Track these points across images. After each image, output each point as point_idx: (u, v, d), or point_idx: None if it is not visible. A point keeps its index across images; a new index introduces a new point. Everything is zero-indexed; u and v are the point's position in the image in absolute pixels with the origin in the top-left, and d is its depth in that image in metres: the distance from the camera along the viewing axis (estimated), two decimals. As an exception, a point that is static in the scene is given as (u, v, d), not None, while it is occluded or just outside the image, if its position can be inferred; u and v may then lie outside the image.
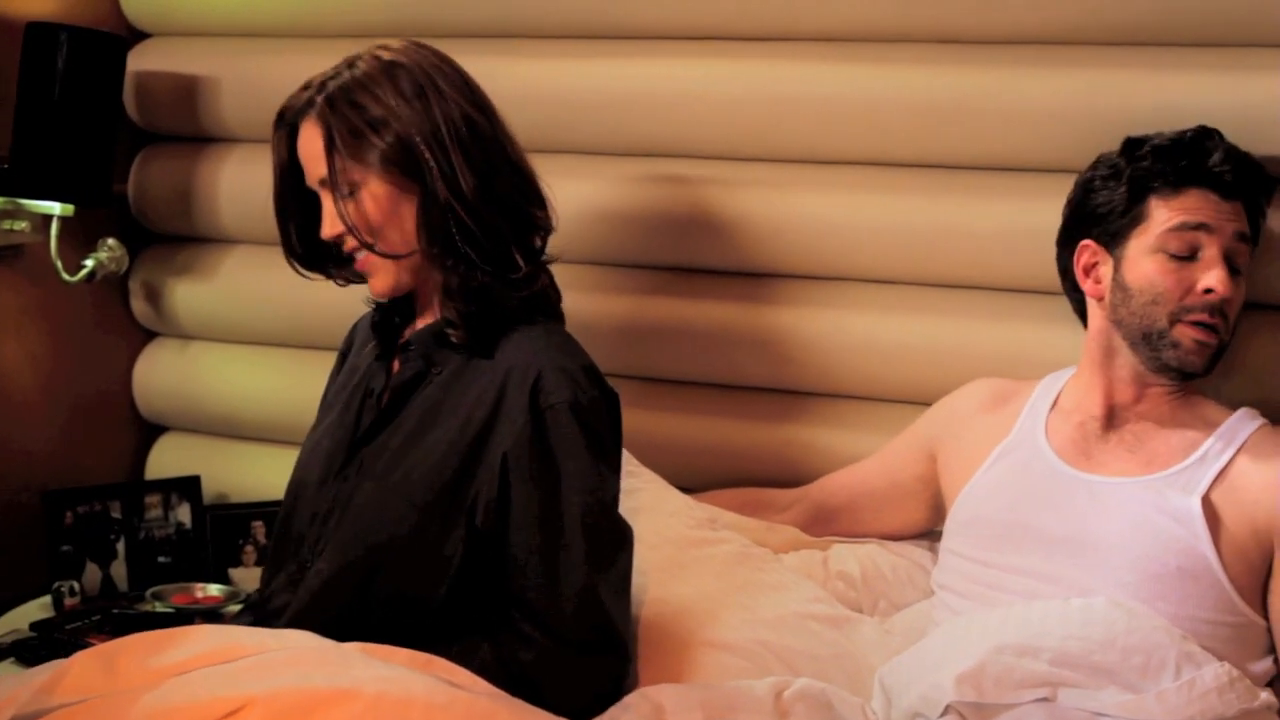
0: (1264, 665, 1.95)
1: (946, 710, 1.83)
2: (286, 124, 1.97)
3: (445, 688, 1.68)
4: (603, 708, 1.88)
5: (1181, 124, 2.11)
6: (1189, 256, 1.99)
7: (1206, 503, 1.94)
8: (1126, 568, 1.93)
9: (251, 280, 2.77)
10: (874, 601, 2.23)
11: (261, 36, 2.73)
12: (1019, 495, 2.06)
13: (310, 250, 2.04)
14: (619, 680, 1.93)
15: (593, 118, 2.47)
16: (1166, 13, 2.18)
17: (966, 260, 2.31)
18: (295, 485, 2.06)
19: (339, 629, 1.84)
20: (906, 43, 2.33)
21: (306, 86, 1.95)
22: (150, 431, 2.92)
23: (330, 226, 1.94)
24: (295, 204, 2.01)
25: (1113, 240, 2.05)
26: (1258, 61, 2.16)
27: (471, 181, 1.90)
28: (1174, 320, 1.99)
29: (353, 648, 1.79)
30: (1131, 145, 2.07)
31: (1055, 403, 2.12)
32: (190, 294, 2.80)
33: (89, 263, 2.64)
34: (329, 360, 2.71)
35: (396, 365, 2.03)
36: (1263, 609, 1.95)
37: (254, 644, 1.69)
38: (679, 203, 2.43)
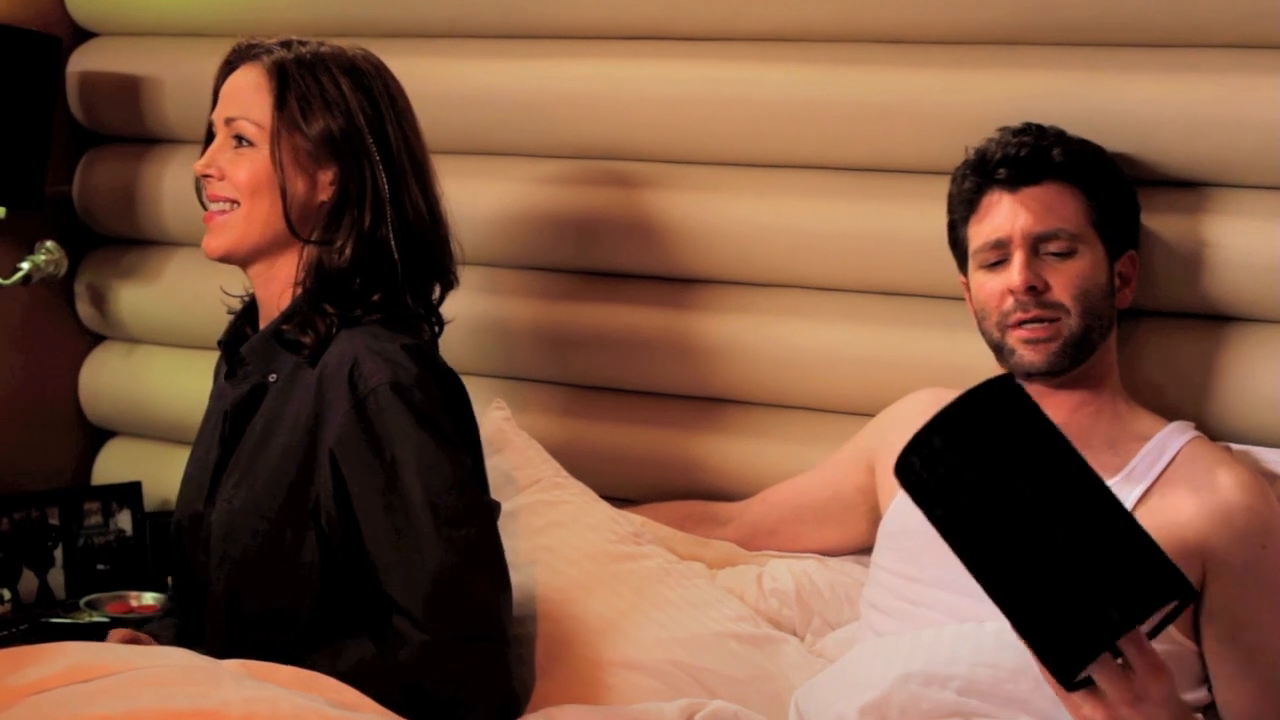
0: (1198, 694, 1.86)
1: (852, 741, 1.77)
2: (234, 64, 1.97)
3: (319, 709, 1.63)
4: (493, 700, 1.82)
5: (1127, 126, 2.04)
6: (1001, 263, 1.95)
7: None
8: None
9: (196, 284, 2.71)
10: (808, 620, 2.16)
11: (206, 36, 2.69)
12: None
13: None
14: (502, 668, 1.86)
15: (520, 119, 2.41)
16: (1113, 13, 2.10)
17: (907, 267, 2.24)
18: (177, 513, 2.06)
19: (237, 652, 1.81)
20: (845, 43, 2.26)
21: (280, 42, 1.96)
22: (98, 436, 2.89)
23: (203, 163, 1.94)
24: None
25: (963, 270, 2.05)
26: (1203, 62, 2.07)
27: (383, 185, 1.91)
28: (1002, 329, 1.95)
29: (232, 665, 1.75)
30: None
31: None
32: (135, 297, 2.77)
33: (25, 266, 2.61)
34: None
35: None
36: (1194, 634, 1.86)
37: (119, 662, 1.64)
38: (609, 206, 2.37)
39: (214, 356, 2.71)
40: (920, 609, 1.93)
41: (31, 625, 2.43)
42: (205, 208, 1.99)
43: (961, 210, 2.02)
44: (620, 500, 2.33)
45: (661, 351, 2.37)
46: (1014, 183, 1.95)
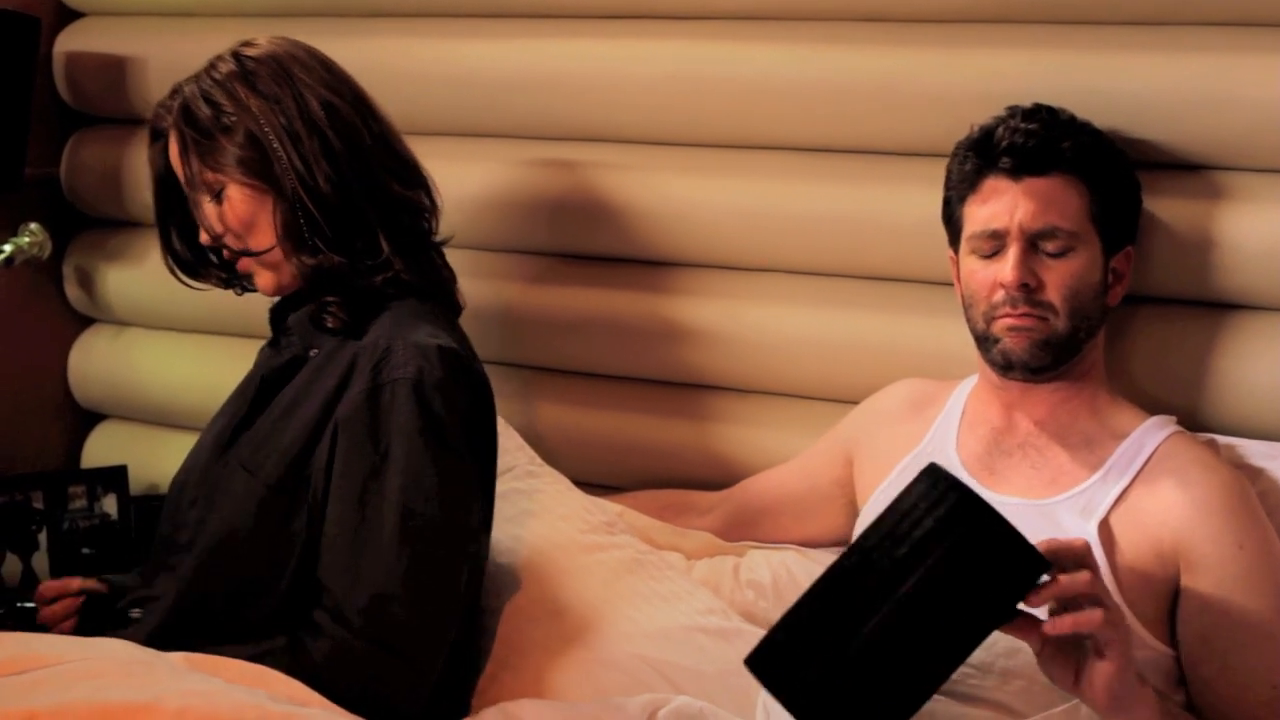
0: (1179, 696, 1.81)
1: (813, 738, 1.71)
2: (159, 135, 1.99)
3: (259, 704, 1.60)
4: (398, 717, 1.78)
5: (1116, 106, 1.97)
6: (997, 253, 1.88)
7: (1105, 528, 1.79)
8: None
9: None
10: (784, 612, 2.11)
11: (193, 16, 2.67)
12: None
13: (198, 256, 2.05)
14: (411, 691, 1.81)
15: (493, 99, 2.37)
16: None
17: (890, 251, 2.18)
18: (185, 468, 2.04)
19: (207, 619, 1.84)
20: (828, 21, 2.20)
21: (172, 93, 1.96)
22: (88, 420, 2.87)
23: (204, 233, 1.97)
24: (177, 213, 2.03)
25: (956, 250, 1.97)
26: (1200, 41, 2.00)
27: (326, 170, 1.89)
28: (989, 320, 1.89)
29: (176, 658, 1.73)
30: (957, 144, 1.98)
31: (965, 411, 1.99)
32: (123, 280, 2.75)
33: (7, 248, 2.59)
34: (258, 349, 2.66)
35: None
36: (1170, 638, 1.80)
37: (53, 654, 1.62)
38: (588, 189, 2.32)
39: (202, 338, 2.73)
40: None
41: (7, 611, 2.41)
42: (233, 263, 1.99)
43: (960, 189, 1.94)
44: (599, 487, 2.30)
45: (641, 336, 2.33)
46: (1018, 172, 1.88)
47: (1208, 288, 2.01)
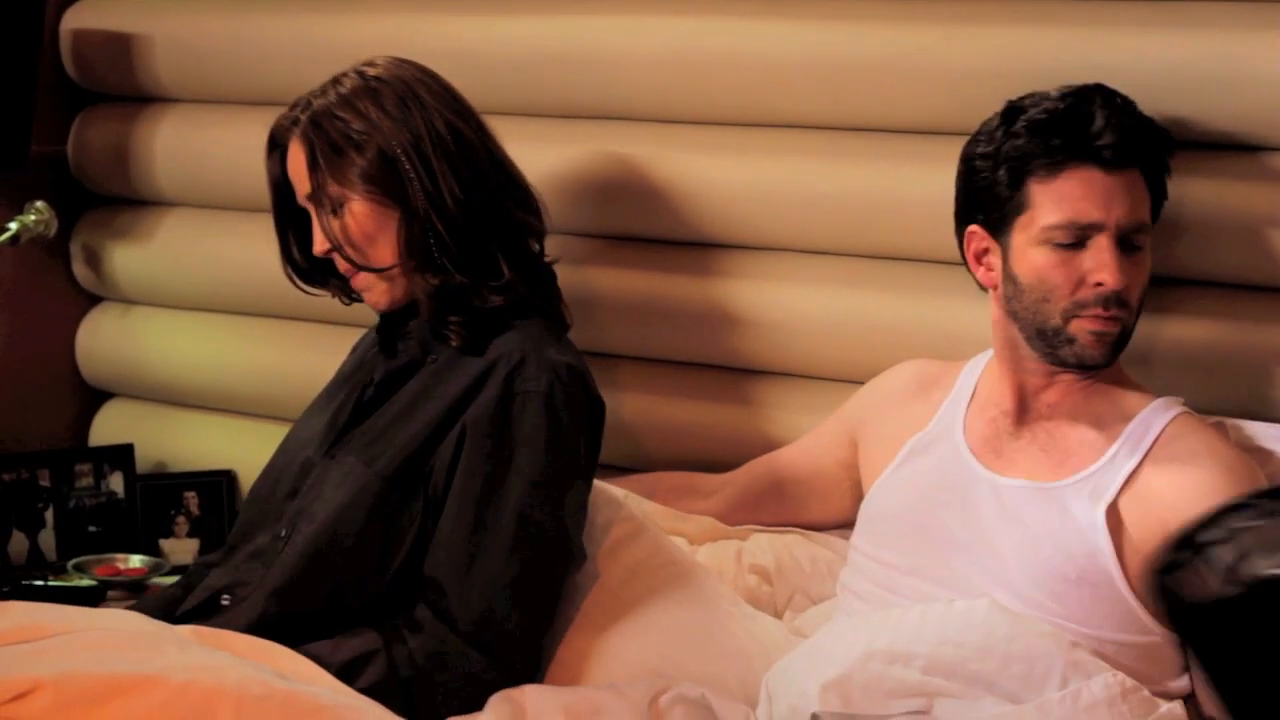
0: (1182, 682, 1.79)
1: (814, 720, 1.71)
2: (277, 145, 2.00)
3: (266, 680, 1.59)
4: (457, 712, 1.79)
5: (1125, 82, 1.93)
6: (1077, 244, 1.80)
7: (1113, 512, 1.77)
8: (1026, 580, 1.78)
9: (189, 244, 2.71)
10: (788, 596, 2.10)
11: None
12: (924, 494, 1.92)
13: (313, 265, 2.06)
14: (486, 693, 1.81)
15: (501, 78, 2.35)
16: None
17: (901, 230, 2.16)
18: (278, 462, 2.06)
19: (308, 607, 1.86)
20: (848, -1, 2.19)
21: (294, 106, 1.98)
22: (96, 398, 2.87)
23: (319, 244, 1.98)
24: (292, 221, 2.04)
25: (998, 228, 1.85)
26: (1193, 17, 1.99)
27: (455, 191, 1.93)
28: (1068, 317, 1.81)
29: (184, 630, 1.73)
30: (1008, 116, 1.86)
31: (975, 392, 1.97)
32: (130, 258, 2.75)
33: (13, 226, 2.59)
34: (270, 327, 2.66)
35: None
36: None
37: (60, 624, 1.62)
38: (596, 167, 2.31)
39: (208, 317, 2.72)
40: (891, 594, 1.88)
41: (13, 588, 2.41)
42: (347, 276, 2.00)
43: (1023, 164, 1.81)
44: (608, 468, 2.29)
45: (648, 316, 2.32)
46: (1115, 164, 1.80)
47: (1240, 270, 1.97)
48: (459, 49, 2.37)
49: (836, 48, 2.17)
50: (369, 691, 1.76)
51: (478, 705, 1.80)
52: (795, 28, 2.20)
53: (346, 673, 1.78)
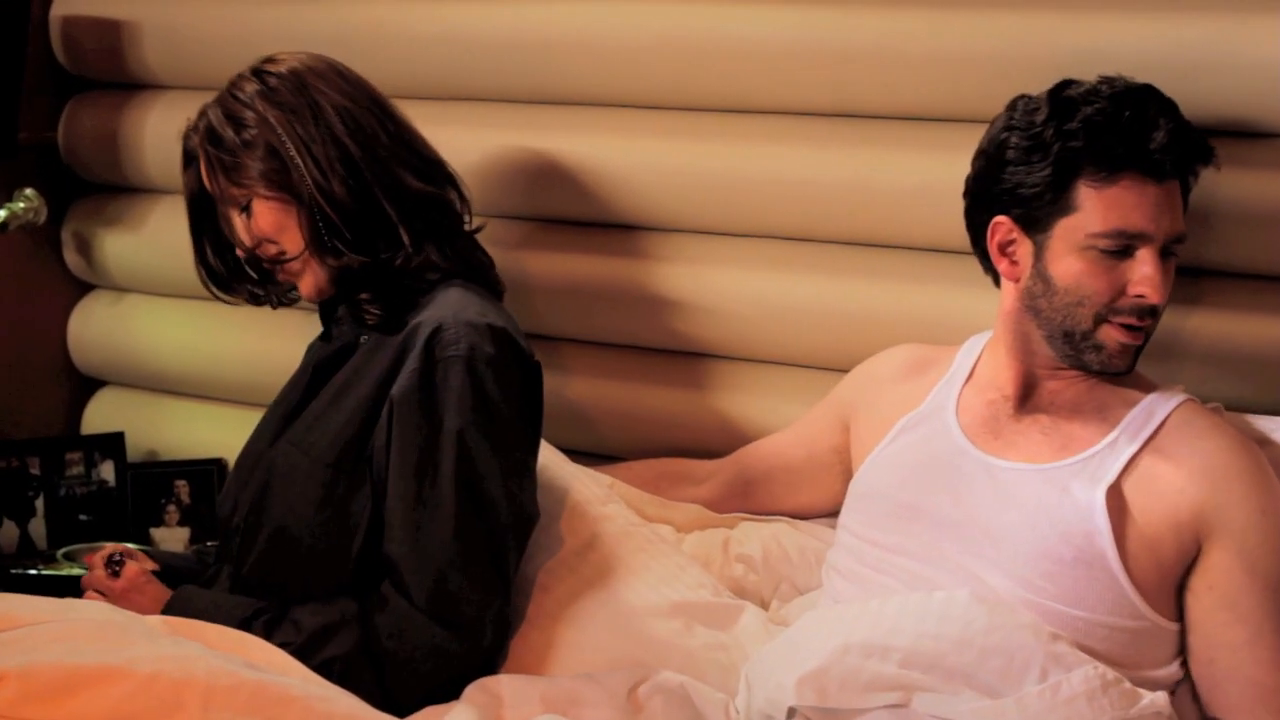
0: (1169, 670, 1.78)
1: (791, 714, 1.69)
2: (188, 158, 2.04)
3: (235, 670, 1.58)
4: (430, 686, 1.79)
5: (1115, 67, 1.91)
6: (1122, 252, 1.76)
7: (1113, 494, 1.75)
8: (1019, 561, 1.76)
9: (181, 232, 2.59)
10: (775, 585, 2.09)
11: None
12: (915, 473, 1.90)
13: (230, 270, 2.10)
14: (464, 661, 1.82)
15: (477, 63, 2.34)
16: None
17: (886, 217, 2.15)
18: (239, 457, 2.08)
19: (270, 598, 1.88)
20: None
21: (199, 115, 2.01)
22: (88, 386, 2.86)
23: (239, 246, 2.02)
24: (209, 229, 2.08)
25: (1034, 224, 1.80)
26: (1198, 3, 1.95)
27: (341, 174, 1.93)
28: (1099, 321, 1.78)
29: (155, 621, 1.72)
30: (1060, 111, 1.78)
31: (972, 373, 1.95)
32: (121, 245, 2.74)
33: (1, 213, 2.58)
34: (261, 316, 2.63)
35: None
36: (1172, 611, 1.77)
37: (29, 615, 1.61)
38: (572, 153, 2.30)
39: (200, 305, 2.71)
40: (879, 575, 1.86)
41: (3, 576, 2.41)
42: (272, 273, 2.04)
43: (1078, 166, 1.76)
44: (595, 457, 2.28)
45: (634, 303, 2.30)
46: (1165, 175, 1.77)
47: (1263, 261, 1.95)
48: (432, 34, 2.37)
49: (817, 33, 2.15)
50: (338, 663, 1.79)
51: (449, 680, 1.80)
52: (775, 13, 2.17)
53: (317, 640, 1.80)
